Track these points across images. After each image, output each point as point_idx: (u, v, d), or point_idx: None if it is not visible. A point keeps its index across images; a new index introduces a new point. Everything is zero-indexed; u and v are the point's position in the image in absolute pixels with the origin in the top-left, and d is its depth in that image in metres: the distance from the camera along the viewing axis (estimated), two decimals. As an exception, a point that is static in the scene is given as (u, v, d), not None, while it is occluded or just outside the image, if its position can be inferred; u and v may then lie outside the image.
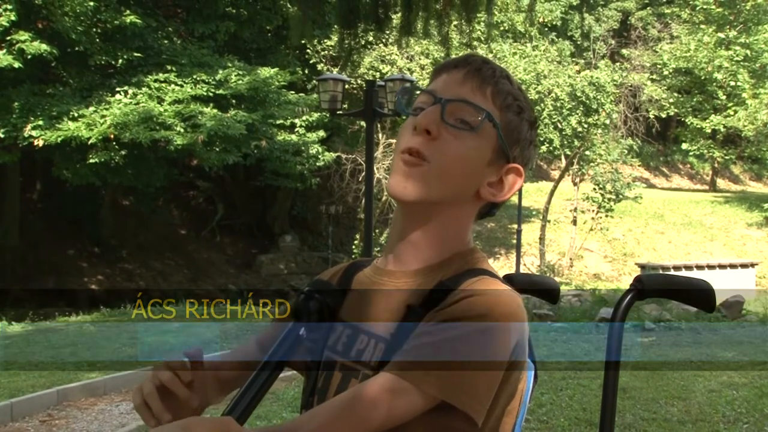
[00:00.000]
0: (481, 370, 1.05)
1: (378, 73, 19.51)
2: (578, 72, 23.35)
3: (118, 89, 16.21)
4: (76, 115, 15.42)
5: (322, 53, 20.31)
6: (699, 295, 1.35)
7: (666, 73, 32.62)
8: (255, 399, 1.04)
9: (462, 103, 1.16)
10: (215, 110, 16.16)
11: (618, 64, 29.39)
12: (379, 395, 1.03)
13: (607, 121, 22.63)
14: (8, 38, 14.90)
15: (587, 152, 22.22)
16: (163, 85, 16.32)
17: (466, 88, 1.17)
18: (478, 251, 1.22)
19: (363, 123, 13.69)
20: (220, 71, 16.93)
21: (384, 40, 19.03)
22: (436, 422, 1.07)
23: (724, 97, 30.91)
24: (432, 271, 1.17)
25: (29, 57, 14.84)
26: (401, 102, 1.27)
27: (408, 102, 1.26)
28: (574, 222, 22.92)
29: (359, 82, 19.17)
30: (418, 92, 1.23)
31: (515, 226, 20.10)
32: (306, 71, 20.68)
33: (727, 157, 33.41)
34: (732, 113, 29.74)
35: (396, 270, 1.20)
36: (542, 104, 21.41)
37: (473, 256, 1.20)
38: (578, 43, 33.75)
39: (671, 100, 32.62)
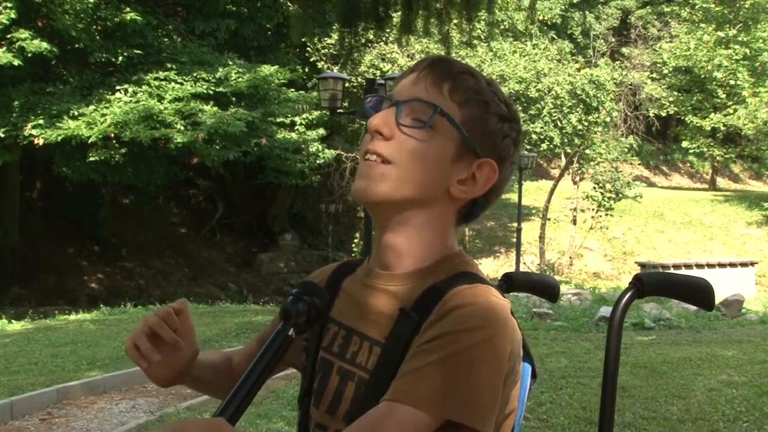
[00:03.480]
0: (483, 382, 1.03)
1: (378, 71, 19.52)
2: (578, 70, 23.35)
3: (118, 87, 16.19)
4: (76, 113, 15.40)
5: (323, 51, 20.32)
6: (698, 293, 1.35)
7: (666, 71, 32.63)
8: (245, 400, 1.04)
9: (414, 102, 1.14)
10: (215, 108, 16.15)
11: (618, 62, 29.36)
12: (386, 426, 1.01)
13: (607, 120, 22.64)
14: (8, 36, 14.88)
15: (587, 151, 22.22)
16: (163, 83, 16.30)
17: (419, 87, 1.16)
18: (465, 254, 1.20)
19: (363, 121, 13.68)
20: (221, 69, 16.91)
21: (384, 38, 19.03)
22: None
23: (723, 96, 30.91)
24: (422, 275, 1.16)
25: (29, 55, 14.82)
26: (369, 111, 1.26)
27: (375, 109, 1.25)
28: (574, 221, 22.93)
29: (359, 80, 19.17)
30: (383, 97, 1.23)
31: (515, 224, 20.12)
32: (306, 69, 20.68)
33: (726, 156, 33.42)
34: (731, 112, 29.75)
35: (385, 273, 1.19)
36: (542, 102, 21.42)
37: (461, 259, 1.19)
38: (578, 41, 33.75)
39: (671, 99, 32.64)
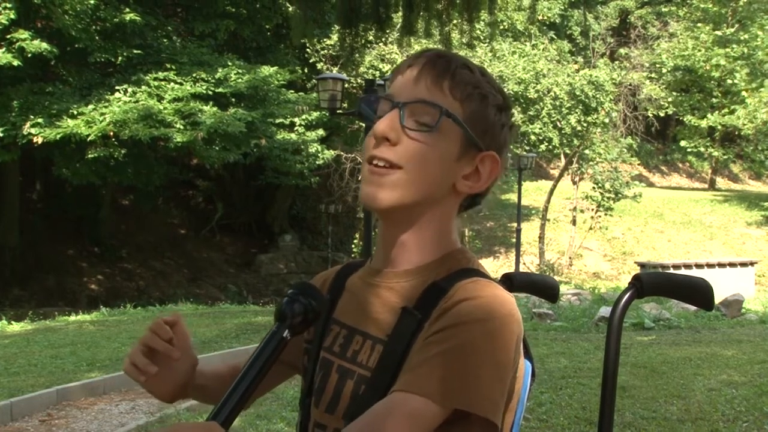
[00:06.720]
0: (491, 373, 1.04)
1: (378, 72, 19.52)
2: (577, 71, 23.35)
3: (117, 87, 16.19)
4: (75, 113, 15.40)
5: (322, 52, 20.32)
6: (698, 293, 1.35)
7: (664, 71, 32.63)
8: (240, 403, 1.02)
9: (419, 104, 1.13)
10: (215, 108, 16.15)
11: (617, 63, 29.32)
12: (396, 416, 1.02)
13: (607, 120, 22.64)
14: (8, 37, 14.88)
15: (586, 151, 22.23)
16: (163, 83, 16.31)
17: (421, 86, 1.14)
18: (468, 251, 1.21)
19: (362, 122, 13.68)
20: (220, 70, 16.92)
21: (384, 39, 19.03)
22: None
23: (721, 95, 30.92)
24: (423, 271, 1.17)
25: (29, 56, 14.82)
26: (366, 110, 1.25)
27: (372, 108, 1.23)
28: (574, 221, 22.93)
29: (359, 81, 19.17)
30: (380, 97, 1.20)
31: (515, 224, 20.13)
32: (305, 70, 20.69)
33: (726, 156, 33.41)
34: (730, 112, 29.74)
35: (387, 271, 1.20)
36: (541, 103, 21.42)
37: (464, 255, 1.19)
38: (577, 41, 33.75)
39: (670, 99, 32.63)
